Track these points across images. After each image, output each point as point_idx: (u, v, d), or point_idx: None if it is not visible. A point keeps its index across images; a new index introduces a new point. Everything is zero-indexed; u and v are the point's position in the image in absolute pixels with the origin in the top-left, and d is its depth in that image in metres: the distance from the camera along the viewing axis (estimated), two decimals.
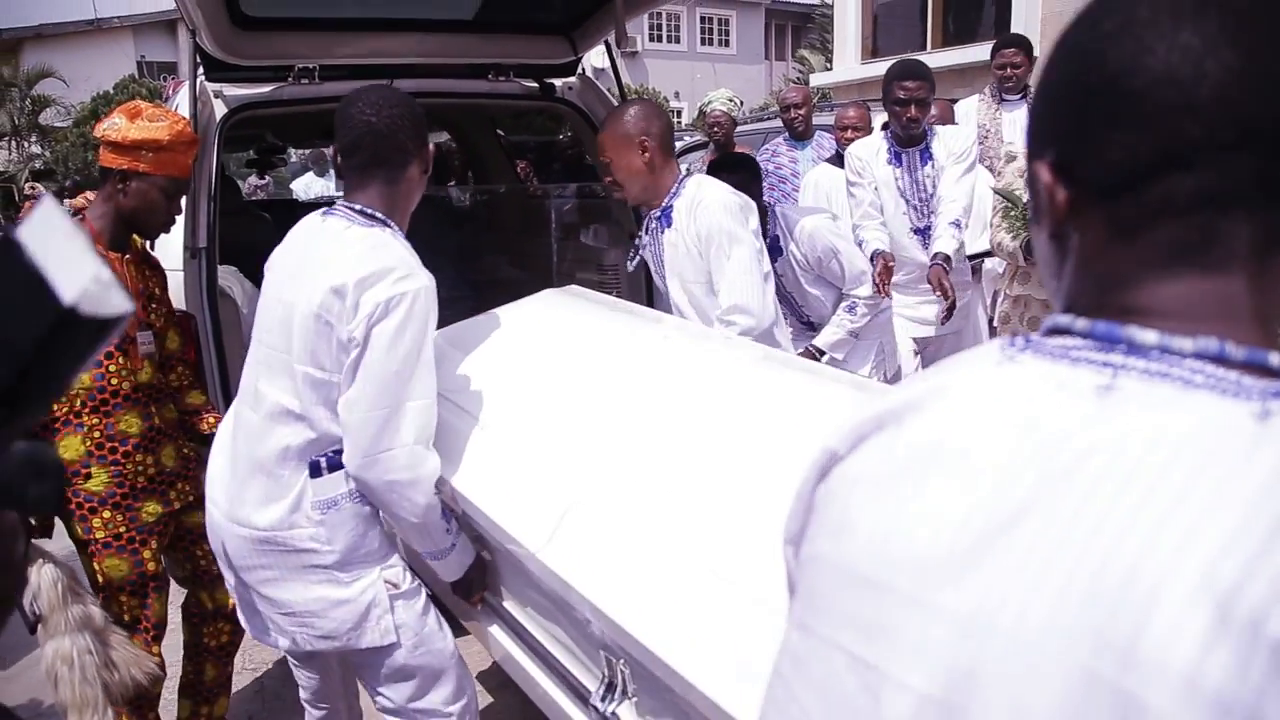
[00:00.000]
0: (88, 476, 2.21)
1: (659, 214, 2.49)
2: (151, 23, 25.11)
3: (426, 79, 3.36)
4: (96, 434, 2.20)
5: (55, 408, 2.18)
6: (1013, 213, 3.09)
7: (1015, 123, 4.72)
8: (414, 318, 1.72)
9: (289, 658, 2.16)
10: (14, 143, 21.19)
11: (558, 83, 3.64)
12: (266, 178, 9.25)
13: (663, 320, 2.32)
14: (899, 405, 0.65)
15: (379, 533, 1.90)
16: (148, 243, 2.47)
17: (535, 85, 3.60)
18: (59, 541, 2.28)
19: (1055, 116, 0.62)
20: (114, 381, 2.22)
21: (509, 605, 1.94)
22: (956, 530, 0.58)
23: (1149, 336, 0.56)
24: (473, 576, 1.93)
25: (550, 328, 2.28)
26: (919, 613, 0.58)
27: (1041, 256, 0.68)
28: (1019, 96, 4.82)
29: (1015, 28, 7.56)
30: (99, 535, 2.22)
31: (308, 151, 9.06)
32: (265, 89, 3.14)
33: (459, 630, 2.13)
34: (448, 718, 1.97)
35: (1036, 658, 0.52)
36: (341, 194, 1.94)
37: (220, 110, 3.05)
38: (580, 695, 1.58)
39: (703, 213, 2.35)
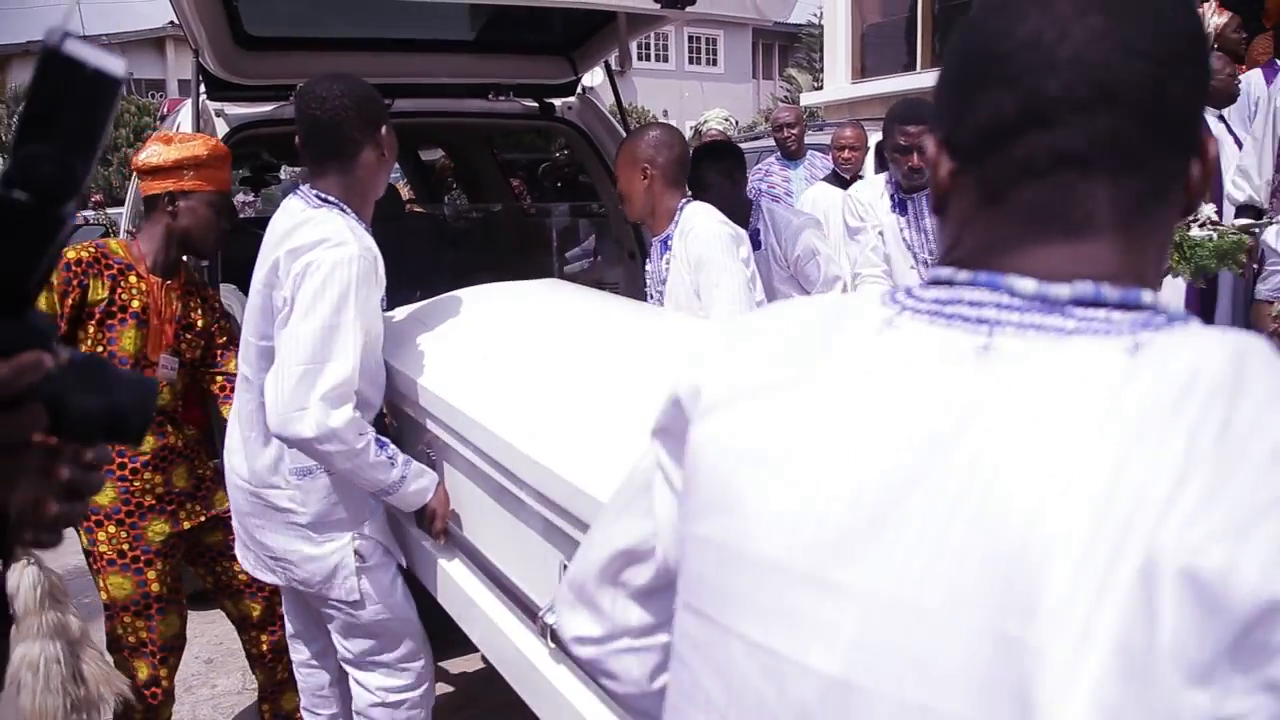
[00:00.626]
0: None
1: (660, 241, 2.56)
2: (140, 40, 25.12)
3: (427, 98, 3.37)
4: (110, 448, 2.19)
5: None
6: None
7: None
8: (334, 281, 1.78)
9: (281, 593, 2.29)
10: (4, 159, 21.13)
11: (557, 102, 3.65)
12: (255, 195, 9.24)
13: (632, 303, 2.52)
14: (779, 378, 0.65)
15: (354, 501, 2.00)
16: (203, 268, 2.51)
17: (535, 105, 3.62)
18: (62, 560, 2.27)
19: (944, 92, 0.65)
20: None
21: (468, 534, 1.98)
22: (849, 507, 0.58)
23: (1028, 285, 0.58)
24: (433, 506, 1.97)
25: (514, 301, 2.42)
26: (817, 593, 0.58)
27: (936, 233, 0.72)
28: None
29: None
30: (102, 549, 2.23)
31: (297, 169, 9.06)
32: (266, 108, 3.14)
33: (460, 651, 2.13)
34: (401, 672, 2.09)
35: (941, 625, 0.53)
36: None
37: (222, 129, 3.06)
38: (531, 612, 1.59)
39: (693, 241, 2.41)
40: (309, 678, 2.30)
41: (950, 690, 0.52)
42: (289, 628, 2.31)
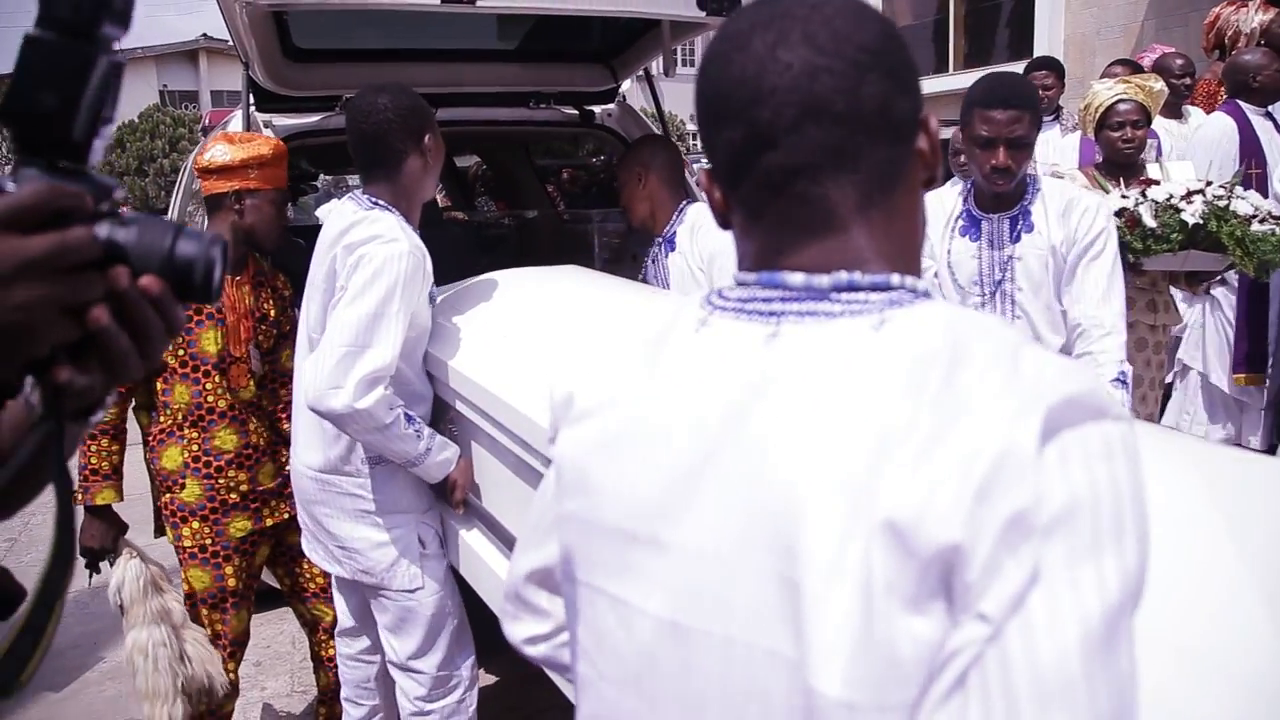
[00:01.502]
0: (183, 487, 2.32)
1: (661, 240, 2.68)
2: (173, 53, 25.54)
3: (469, 107, 3.40)
4: (194, 447, 2.32)
5: (161, 419, 2.33)
6: None
7: (1047, 143, 4.73)
8: (385, 273, 1.89)
9: (335, 584, 2.36)
10: None
11: (597, 109, 3.67)
12: (292, 204, 9.34)
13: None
14: (629, 379, 0.76)
15: (417, 490, 2.12)
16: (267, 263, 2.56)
17: (575, 112, 3.64)
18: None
19: (700, 131, 0.74)
20: (210, 399, 2.32)
21: (487, 505, 2.07)
22: (669, 478, 0.70)
23: (797, 279, 0.69)
24: (454, 477, 2.06)
25: (536, 284, 2.48)
26: (650, 550, 0.71)
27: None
28: (1051, 117, 4.84)
29: (1038, 49, 7.59)
30: (186, 544, 2.32)
31: (330, 178, 9.16)
32: (312, 119, 3.19)
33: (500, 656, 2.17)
34: (445, 679, 2.17)
35: (736, 570, 0.65)
36: None
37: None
38: None
39: (703, 236, 2.53)
40: (355, 670, 2.37)
41: (748, 623, 0.64)
42: (341, 623, 2.37)
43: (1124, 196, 2.94)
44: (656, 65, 3.53)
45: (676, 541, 0.69)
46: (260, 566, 2.50)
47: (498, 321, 2.21)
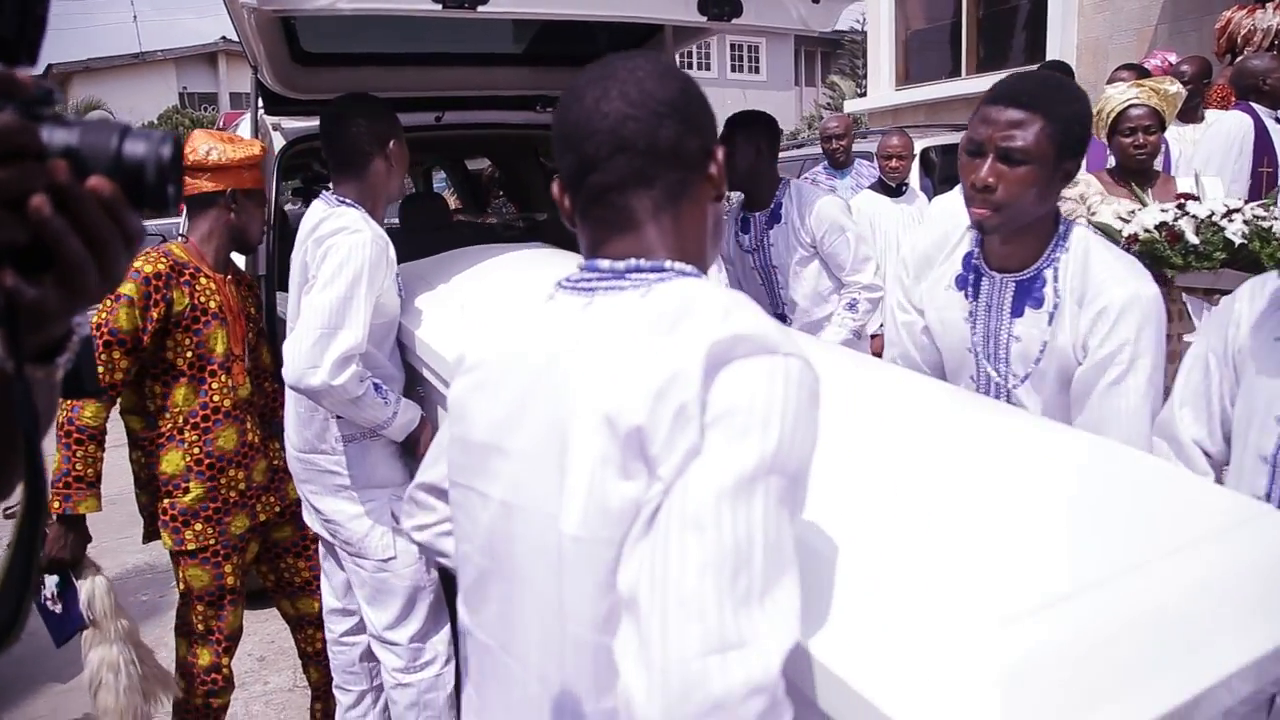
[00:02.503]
0: (185, 490, 2.31)
1: None
2: (193, 55, 25.74)
3: (477, 110, 3.43)
4: (196, 450, 2.31)
5: (159, 424, 2.30)
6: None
7: None
8: (351, 260, 2.05)
9: (322, 559, 2.51)
10: None
11: None
12: (306, 205, 9.41)
13: None
14: (500, 339, 1.06)
15: (391, 466, 2.28)
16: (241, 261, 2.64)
17: None
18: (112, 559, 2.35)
19: (555, 157, 1.02)
20: (215, 399, 2.33)
21: None
22: (511, 406, 1.00)
23: (605, 264, 0.98)
24: (416, 435, 2.22)
25: (499, 259, 2.65)
26: (499, 456, 1.00)
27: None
28: None
29: (1050, 53, 7.56)
30: (190, 547, 2.31)
31: None
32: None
33: None
34: (420, 651, 2.30)
35: (539, 463, 0.94)
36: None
37: (279, 142, 3.15)
38: None
39: None
40: (341, 654, 2.47)
41: (541, 498, 0.94)
42: (327, 604, 2.46)
43: (1164, 210, 2.89)
44: None
45: (513, 448, 0.98)
46: (251, 562, 2.52)
47: (458, 294, 2.34)
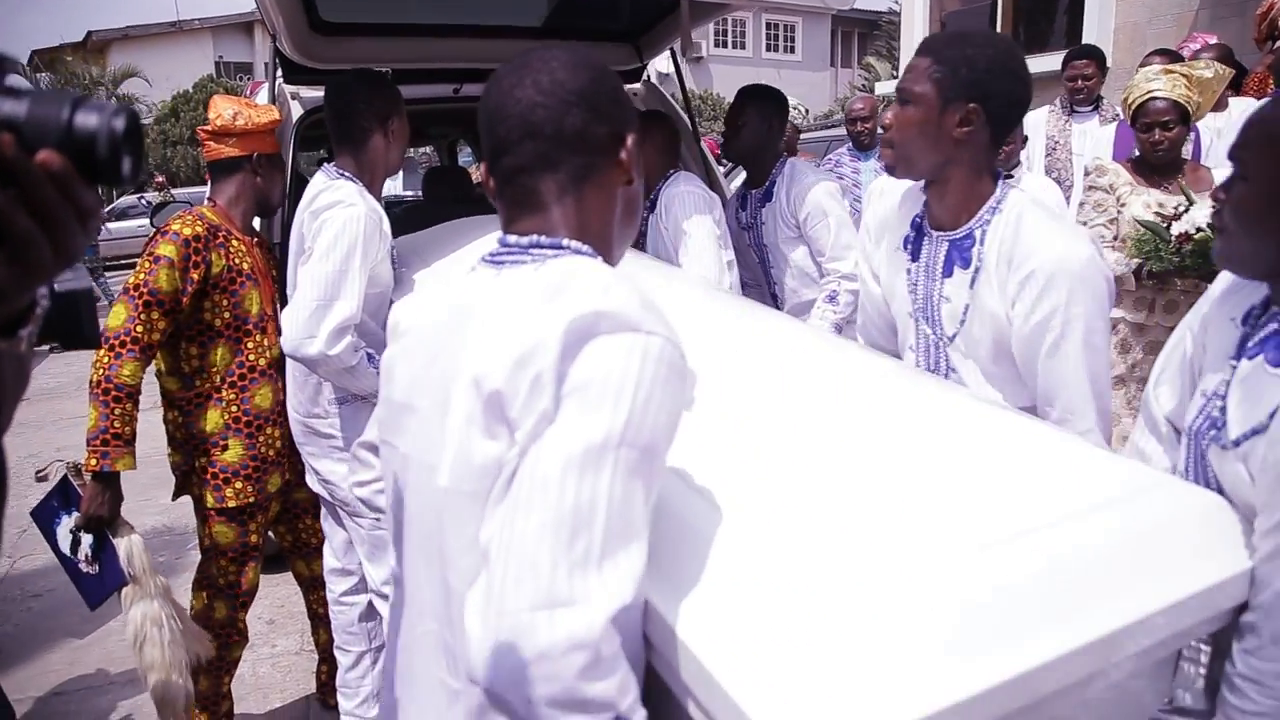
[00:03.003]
0: (225, 448, 2.35)
1: (649, 205, 2.92)
2: (230, 24, 25.89)
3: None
4: (234, 408, 2.35)
5: (196, 384, 2.34)
6: (1146, 242, 2.96)
7: (1085, 134, 4.64)
8: (345, 234, 2.10)
9: (324, 520, 2.56)
10: None
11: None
12: None
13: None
14: (420, 311, 1.14)
15: None
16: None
17: None
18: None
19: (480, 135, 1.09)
20: (251, 358, 2.37)
21: None
22: (421, 367, 1.06)
23: (513, 239, 1.05)
24: None
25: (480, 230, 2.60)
26: (410, 413, 1.08)
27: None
28: (1090, 108, 4.74)
29: (1087, 37, 7.40)
30: (231, 504, 2.35)
31: None
32: None
33: None
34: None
35: (432, 419, 1.01)
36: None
37: (297, 111, 3.16)
38: None
39: (675, 204, 2.82)
40: (341, 614, 2.52)
41: (429, 450, 1.01)
42: (328, 564, 2.50)
43: (1214, 208, 2.84)
44: (697, 47, 3.52)
45: (419, 405, 1.06)
46: (269, 522, 2.56)
47: (450, 266, 2.36)
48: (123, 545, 2.21)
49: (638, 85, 3.73)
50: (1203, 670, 1.21)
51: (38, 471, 2.38)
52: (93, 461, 2.13)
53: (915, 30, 10.01)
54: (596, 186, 1.06)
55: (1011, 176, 4.18)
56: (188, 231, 2.25)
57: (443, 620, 1.02)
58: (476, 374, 0.93)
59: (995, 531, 1.03)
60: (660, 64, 4.12)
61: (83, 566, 2.27)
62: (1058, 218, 1.63)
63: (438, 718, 1.03)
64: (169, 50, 24.47)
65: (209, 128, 2.39)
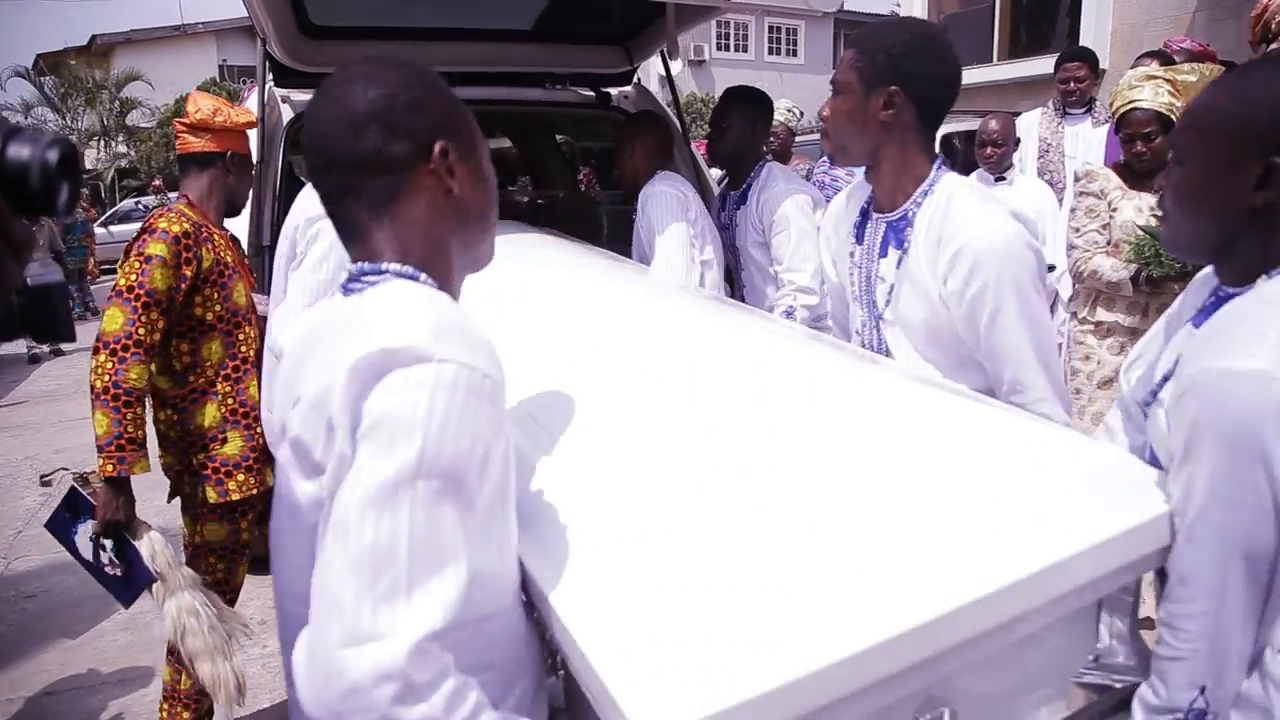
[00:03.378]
0: (224, 441, 2.34)
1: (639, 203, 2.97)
2: (233, 28, 25.97)
3: (486, 86, 3.45)
4: (230, 401, 2.34)
5: (190, 380, 2.32)
6: (1145, 246, 2.94)
7: (1078, 137, 4.64)
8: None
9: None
10: (102, 142, 22.10)
11: (613, 91, 3.70)
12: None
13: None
14: (294, 335, 1.15)
15: None
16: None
17: (591, 94, 3.66)
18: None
19: None
20: (243, 349, 2.37)
21: None
22: (292, 374, 1.06)
23: (354, 268, 1.07)
24: None
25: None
26: (281, 438, 1.06)
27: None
28: (1082, 110, 4.74)
29: (1084, 39, 7.41)
30: (235, 498, 2.34)
31: None
32: None
33: None
34: None
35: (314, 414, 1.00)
36: None
37: (288, 114, 3.18)
38: None
39: (649, 204, 2.85)
40: None
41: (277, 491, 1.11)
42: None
43: (1158, 195, 2.84)
44: (700, 50, 3.54)
45: (299, 393, 1.03)
46: (254, 522, 2.55)
47: None
48: (144, 545, 2.21)
49: (629, 88, 3.74)
50: (1129, 621, 1.24)
51: (42, 477, 2.37)
52: (109, 468, 2.10)
53: None
54: (411, 204, 1.05)
55: (1004, 179, 4.20)
56: (176, 229, 2.24)
57: (287, 649, 1.04)
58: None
59: (889, 492, 1.09)
60: (660, 67, 4.12)
61: (108, 570, 2.28)
62: (989, 198, 1.68)
63: None
64: (173, 54, 24.57)
65: (187, 120, 2.38)
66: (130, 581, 2.26)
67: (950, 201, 1.65)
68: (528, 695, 1.06)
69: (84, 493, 2.25)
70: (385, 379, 0.89)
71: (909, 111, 1.65)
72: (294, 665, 0.88)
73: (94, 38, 24.47)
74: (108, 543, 2.24)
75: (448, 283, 1.08)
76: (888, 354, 1.79)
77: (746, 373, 1.55)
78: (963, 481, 1.14)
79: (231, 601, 2.48)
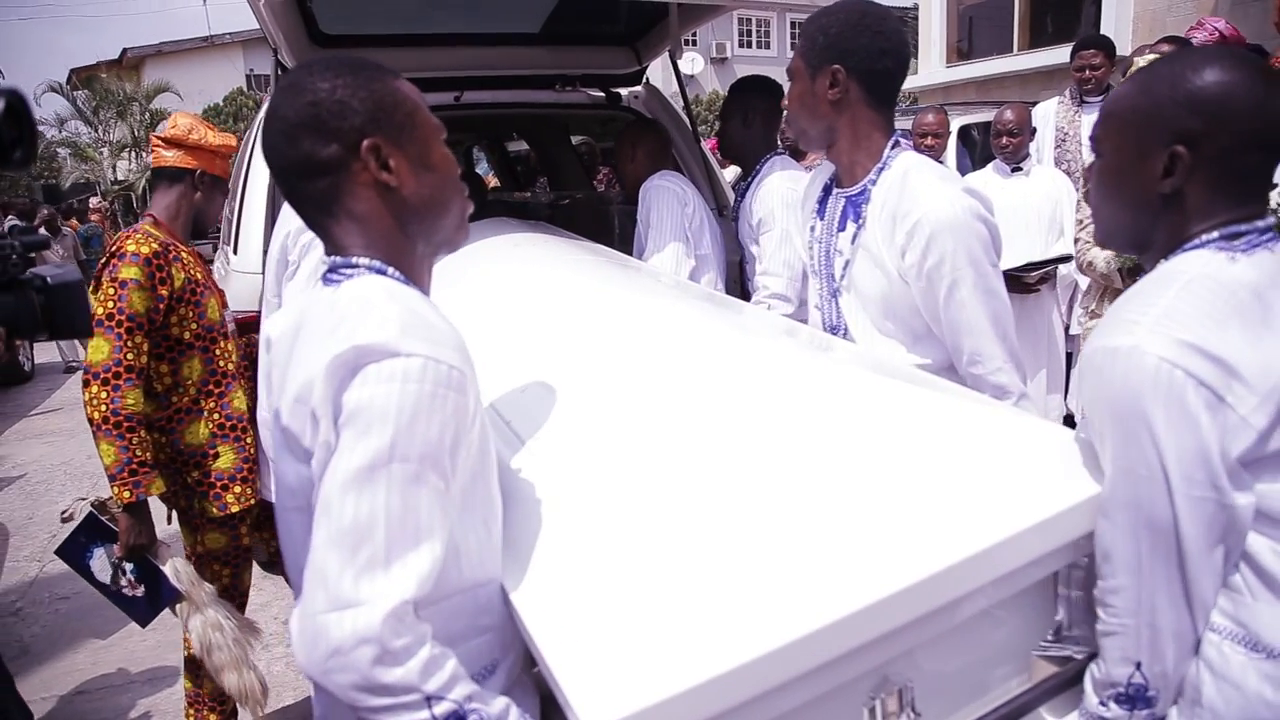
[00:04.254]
0: (216, 456, 2.36)
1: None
2: (260, 38, 26.18)
3: (498, 90, 3.48)
4: (216, 415, 2.37)
5: (173, 400, 2.33)
6: None
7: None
8: None
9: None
10: (134, 153, 22.47)
11: (624, 92, 3.71)
12: None
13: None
14: (279, 326, 1.18)
15: None
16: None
17: (602, 95, 3.68)
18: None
19: None
20: (221, 364, 2.39)
21: None
22: (282, 365, 1.12)
23: (329, 261, 1.12)
24: None
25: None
26: (276, 387, 1.13)
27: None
28: (1100, 98, 4.69)
29: (1105, 26, 7.32)
30: (235, 509, 2.37)
31: None
32: None
33: None
34: None
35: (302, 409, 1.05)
36: None
37: None
38: None
39: (646, 199, 2.89)
40: None
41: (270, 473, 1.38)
42: None
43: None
44: (722, 48, 3.54)
45: (279, 383, 1.12)
46: (252, 529, 2.59)
47: (446, 267, 2.46)
48: (168, 566, 2.26)
49: (638, 88, 3.76)
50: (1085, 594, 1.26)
51: (63, 514, 2.40)
52: (126, 494, 2.12)
53: (934, 25, 9.95)
54: (355, 201, 1.10)
55: (1021, 169, 4.17)
56: (145, 250, 2.23)
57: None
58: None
59: (838, 478, 1.12)
60: (684, 65, 4.13)
61: (126, 591, 2.32)
62: (944, 175, 1.71)
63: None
64: (201, 65, 24.91)
65: (162, 134, 2.41)
66: (151, 601, 2.30)
67: (906, 176, 1.69)
68: (526, 655, 1.12)
69: (103, 519, 2.27)
70: (359, 374, 0.96)
71: (855, 88, 1.70)
72: (291, 631, 0.96)
73: (125, 51, 24.89)
74: (128, 565, 2.27)
75: (413, 271, 1.14)
76: (845, 326, 1.83)
77: (699, 365, 1.58)
78: (911, 464, 1.17)
79: (241, 606, 2.53)
